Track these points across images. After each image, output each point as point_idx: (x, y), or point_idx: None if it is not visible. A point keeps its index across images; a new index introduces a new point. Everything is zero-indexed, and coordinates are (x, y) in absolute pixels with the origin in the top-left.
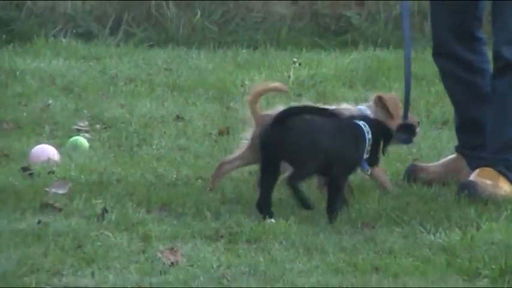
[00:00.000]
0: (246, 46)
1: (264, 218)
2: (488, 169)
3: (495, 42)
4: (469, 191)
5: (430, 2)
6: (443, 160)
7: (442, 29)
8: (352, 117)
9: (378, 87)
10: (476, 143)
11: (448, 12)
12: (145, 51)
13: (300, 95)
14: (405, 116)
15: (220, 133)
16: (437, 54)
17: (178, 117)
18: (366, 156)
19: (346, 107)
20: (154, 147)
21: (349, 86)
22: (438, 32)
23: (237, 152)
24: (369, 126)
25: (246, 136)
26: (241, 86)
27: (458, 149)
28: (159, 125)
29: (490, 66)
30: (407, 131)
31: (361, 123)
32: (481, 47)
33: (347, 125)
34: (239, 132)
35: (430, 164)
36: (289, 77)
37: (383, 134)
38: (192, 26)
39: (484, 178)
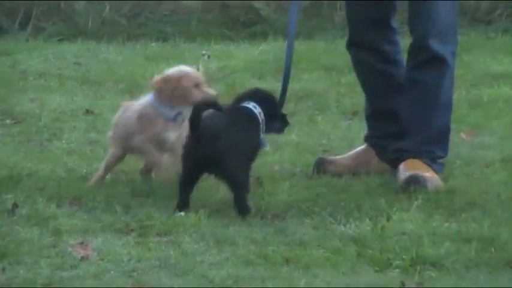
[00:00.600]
0: (156, 39)
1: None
2: (416, 161)
3: (421, 33)
4: (417, 185)
5: None
6: (351, 152)
7: (358, 19)
8: (239, 100)
9: None
10: (388, 132)
11: (364, 1)
12: (55, 45)
13: (210, 88)
14: (281, 104)
15: None
16: (352, 45)
17: (88, 111)
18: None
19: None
20: (64, 141)
21: (259, 77)
22: (354, 22)
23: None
24: (259, 105)
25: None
26: (151, 79)
27: (367, 139)
28: (69, 119)
29: (403, 57)
30: (282, 121)
31: (251, 105)
32: (395, 37)
33: (240, 113)
34: None
35: (338, 157)
36: (197, 69)
37: (268, 104)
38: (102, 20)
39: (420, 170)
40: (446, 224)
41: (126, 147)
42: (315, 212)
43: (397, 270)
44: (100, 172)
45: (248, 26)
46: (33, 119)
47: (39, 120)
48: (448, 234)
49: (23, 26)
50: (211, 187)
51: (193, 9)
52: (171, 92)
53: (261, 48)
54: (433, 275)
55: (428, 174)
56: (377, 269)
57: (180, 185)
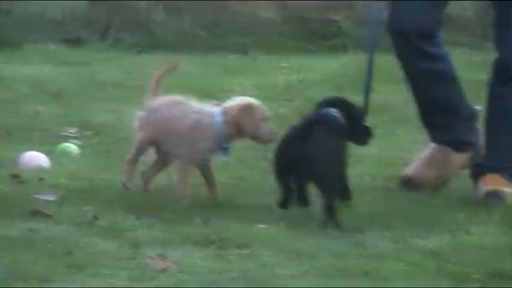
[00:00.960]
0: (234, 51)
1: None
2: (496, 176)
3: (506, 52)
4: (497, 199)
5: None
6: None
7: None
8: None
9: None
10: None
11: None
12: (133, 56)
13: (289, 100)
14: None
15: None
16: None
17: None
18: None
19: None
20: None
21: (338, 90)
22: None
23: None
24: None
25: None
26: (230, 91)
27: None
28: None
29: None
30: (366, 132)
31: (333, 111)
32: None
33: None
34: None
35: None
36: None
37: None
38: (181, 32)
39: (500, 185)
40: None
41: (157, 141)
42: (394, 226)
43: (476, 284)
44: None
45: (327, 39)
46: (112, 130)
47: (118, 131)
48: None
49: (103, 37)
50: None
51: (272, 21)
52: (239, 121)
53: (340, 61)
54: None
55: (507, 189)
56: (456, 282)
57: (277, 185)
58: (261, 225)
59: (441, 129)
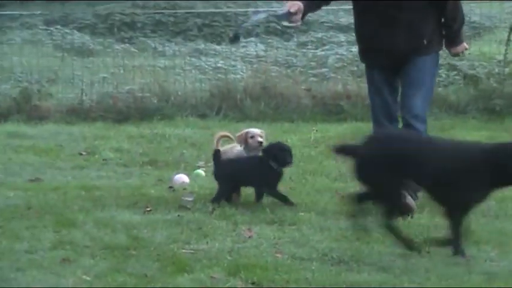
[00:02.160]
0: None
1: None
2: None
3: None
4: None
5: (371, 101)
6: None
7: (383, 119)
8: None
9: None
10: None
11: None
12: (233, 125)
13: (316, 147)
14: None
15: None
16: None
17: None
18: None
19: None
20: None
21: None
22: (381, 121)
23: None
24: None
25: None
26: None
27: None
28: None
29: None
30: None
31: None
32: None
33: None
34: None
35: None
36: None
37: None
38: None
39: None
40: None
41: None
42: None
43: None
44: None
45: (337, 114)
46: None
47: None
48: None
49: (217, 113)
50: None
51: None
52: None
53: (341, 127)
54: None
55: None
56: None
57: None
58: (301, 213)
59: None
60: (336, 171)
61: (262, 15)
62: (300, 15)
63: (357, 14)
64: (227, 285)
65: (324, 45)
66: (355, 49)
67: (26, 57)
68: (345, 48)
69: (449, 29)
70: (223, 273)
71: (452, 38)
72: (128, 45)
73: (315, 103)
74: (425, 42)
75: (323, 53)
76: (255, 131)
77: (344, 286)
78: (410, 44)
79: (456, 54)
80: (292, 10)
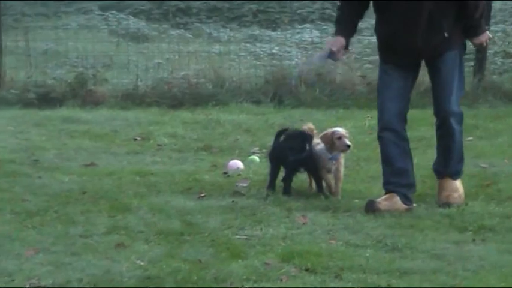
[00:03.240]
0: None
1: None
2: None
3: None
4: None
5: (379, 94)
6: (385, 196)
7: (391, 114)
8: None
9: None
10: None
11: (395, 100)
12: (288, 111)
13: (370, 134)
14: None
15: None
16: (384, 130)
17: None
18: None
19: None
20: None
21: None
22: (387, 116)
23: None
24: None
25: None
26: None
27: (388, 189)
28: None
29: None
30: None
31: None
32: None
33: None
34: None
35: (380, 199)
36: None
37: None
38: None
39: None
40: None
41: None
42: None
43: None
44: None
45: None
46: None
47: None
48: None
49: (271, 100)
50: None
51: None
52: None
53: None
54: None
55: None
56: None
57: None
58: (355, 200)
59: (394, 184)
60: None
61: (317, 60)
62: (342, 51)
63: (376, 11)
64: (281, 272)
65: None
66: None
67: (81, 42)
68: None
69: (471, 19)
70: (277, 260)
71: (474, 28)
72: (183, 31)
73: (369, 90)
74: (446, 35)
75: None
76: (342, 131)
77: (398, 273)
78: (432, 40)
79: (480, 45)
80: (334, 49)
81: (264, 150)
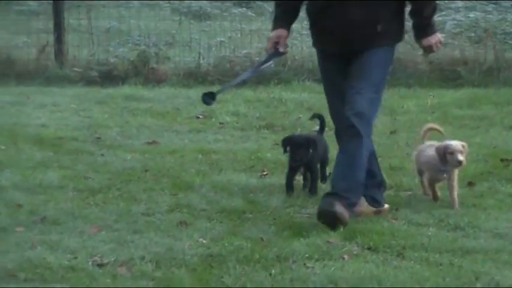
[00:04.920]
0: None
1: None
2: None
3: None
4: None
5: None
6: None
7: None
8: None
9: None
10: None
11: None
12: None
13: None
14: None
15: None
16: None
17: None
18: None
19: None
20: None
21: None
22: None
23: None
24: None
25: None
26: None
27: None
28: None
29: None
30: None
31: None
32: None
33: None
34: None
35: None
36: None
37: None
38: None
39: None
40: None
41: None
42: None
43: None
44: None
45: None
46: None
47: None
48: None
49: None
50: None
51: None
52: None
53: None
54: None
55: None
56: None
57: None
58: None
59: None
60: (452, 137)
61: (266, 68)
62: (285, 44)
63: None
64: (343, 250)
65: (442, 10)
66: (472, 15)
67: (143, 20)
68: (463, 14)
69: (419, 16)
70: (339, 238)
71: (423, 27)
72: (245, 9)
73: (432, 69)
74: (379, 29)
75: (440, 18)
76: (455, 146)
77: (460, 252)
78: (362, 28)
79: (429, 48)
80: (281, 49)
81: (326, 129)
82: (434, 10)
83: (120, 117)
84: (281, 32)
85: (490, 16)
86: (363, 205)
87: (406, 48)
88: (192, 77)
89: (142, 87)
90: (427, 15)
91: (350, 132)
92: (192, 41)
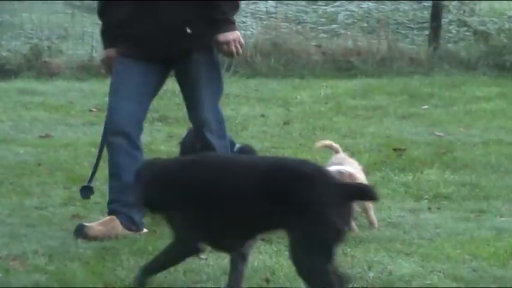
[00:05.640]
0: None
1: None
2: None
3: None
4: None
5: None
6: (102, 220)
7: (125, 115)
8: None
9: None
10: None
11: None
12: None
13: (326, 103)
14: None
15: None
16: (116, 135)
17: None
18: None
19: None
20: None
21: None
22: (120, 117)
23: None
24: None
25: None
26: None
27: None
28: None
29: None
30: None
31: None
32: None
33: None
34: None
35: (94, 224)
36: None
37: None
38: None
39: None
40: None
41: None
42: None
43: None
44: None
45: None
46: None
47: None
48: None
49: None
50: None
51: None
52: None
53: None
54: None
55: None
56: None
57: None
58: None
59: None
60: (345, 127)
61: None
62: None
63: None
64: None
65: (334, 1)
66: (365, 5)
67: (36, 13)
68: (355, 4)
69: (215, 9)
70: None
71: (219, 22)
72: None
73: (325, 59)
74: (188, 31)
75: (333, 9)
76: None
77: (353, 242)
78: (172, 34)
79: (226, 45)
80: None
81: None
82: (234, 8)
83: (13, 111)
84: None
85: (383, 6)
86: (117, 227)
87: (299, 39)
88: (86, 70)
89: (36, 81)
90: (224, 10)
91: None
92: (85, 34)
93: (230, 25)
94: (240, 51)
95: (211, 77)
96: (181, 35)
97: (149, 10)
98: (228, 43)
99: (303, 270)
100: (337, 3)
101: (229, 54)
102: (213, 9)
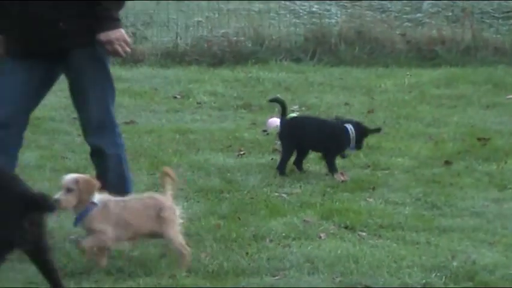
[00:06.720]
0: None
1: None
2: None
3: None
4: None
5: None
6: None
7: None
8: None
9: None
10: None
11: None
12: (327, 69)
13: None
14: None
15: None
16: None
17: None
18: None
19: None
20: None
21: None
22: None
23: None
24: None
25: None
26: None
27: None
28: None
29: None
30: None
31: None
32: None
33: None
34: None
35: None
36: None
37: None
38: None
39: None
40: None
41: None
42: None
43: None
44: None
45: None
46: (315, 108)
47: (319, 109)
48: None
49: (311, 58)
50: None
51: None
52: None
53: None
54: None
55: None
56: None
57: None
58: (394, 158)
59: None
60: (429, 116)
61: None
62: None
63: None
64: (320, 229)
65: None
66: None
67: None
68: None
69: (96, 6)
70: (316, 217)
71: (101, 18)
72: None
73: (409, 48)
74: (62, 25)
75: None
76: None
77: (437, 231)
78: (44, 31)
79: (109, 46)
80: None
81: (303, 108)
82: (119, 5)
83: None
84: None
85: None
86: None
87: (384, 27)
88: (170, 57)
89: (120, 68)
90: (108, 7)
91: None
92: (170, 20)
93: (113, 23)
94: (127, 49)
95: (97, 76)
96: (55, 32)
97: (22, 6)
98: (110, 42)
99: None
100: None
101: (114, 53)
102: (94, 6)
